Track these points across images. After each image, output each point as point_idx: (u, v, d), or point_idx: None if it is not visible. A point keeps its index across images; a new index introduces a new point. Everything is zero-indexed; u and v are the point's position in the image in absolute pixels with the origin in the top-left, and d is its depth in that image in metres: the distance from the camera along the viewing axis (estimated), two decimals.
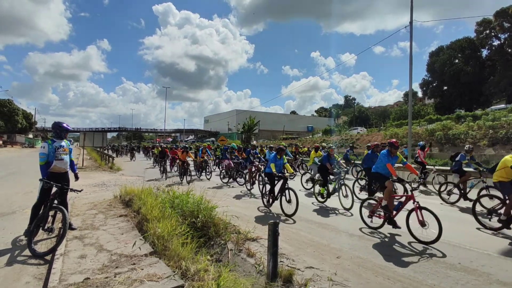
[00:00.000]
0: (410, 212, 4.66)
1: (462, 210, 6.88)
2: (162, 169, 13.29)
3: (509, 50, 35.70)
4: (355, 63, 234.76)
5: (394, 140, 5.56)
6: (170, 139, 79.86)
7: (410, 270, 3.59)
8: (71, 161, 4.79)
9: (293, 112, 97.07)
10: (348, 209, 6.63)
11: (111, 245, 3.99)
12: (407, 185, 6.95)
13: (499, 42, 36.97)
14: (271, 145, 15.74)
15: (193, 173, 12.48)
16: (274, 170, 6.58)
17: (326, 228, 5.41)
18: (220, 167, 14.27)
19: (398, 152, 5.45)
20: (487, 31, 37.12)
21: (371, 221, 5.26)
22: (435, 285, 3.22)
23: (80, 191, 4.56)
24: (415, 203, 4.59)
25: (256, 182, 9.37)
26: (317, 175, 8.48)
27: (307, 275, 3.34)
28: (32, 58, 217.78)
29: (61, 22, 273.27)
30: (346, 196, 6.86)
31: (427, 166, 10.11)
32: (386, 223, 5.03)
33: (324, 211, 6.71)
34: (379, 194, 7.45)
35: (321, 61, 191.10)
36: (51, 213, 4.36)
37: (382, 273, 3.49)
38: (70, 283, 2.88)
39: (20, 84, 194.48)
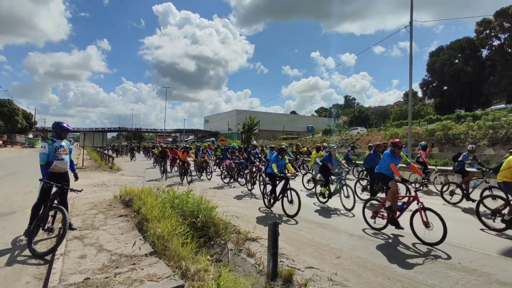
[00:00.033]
0: (414, 213, 4.60)
1: (465, 210, 6.82)
2: (162, 169, 13.26)
3: (509, 50, 35.68)
4: (355, 63, 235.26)
5: (398, 140, 5.47)
6: (170, 139, 79.87)
7: (410, 270, 3.59)
8: (71, 161, 4.79)
9: (293, 112, 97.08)
10: (349, 210, 6.58)
11: (111, 245, 3.99)
12: (410, 186, 6.88)
13: (499, 42, 36.96)
14: (272, 145, 15.71)
15: (193, 173, 12.47)
16: (276, 170, 6.51)
17: (326, 228, 5.40)
18: (221, 167, 14.27)
19: (401, 153, 5.40)
20: (487, 31, 37.08)
21: (374, 222, 5.21)
22: (435, 285, 3.22)
23: (80, 191, 4.56)
24: (419, 203, 4.53)
25: (257, 182, 9.33)
26: (319, 175, 8.44)
27: (307, 275, 3.34)
28: (32, 58, 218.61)
29: (61, 22, 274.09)
30: (348, 196, 6.80)
31: (428, 166, 10.01)
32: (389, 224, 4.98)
33: (325, 212, 6.68)
34: (381, 195, 7.43)
35: (321, 61, 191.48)
36: (51, 213, 4.36)
37: (382, 273, 3.49)
38: (70, 283, 2.88)
39: (20, 84, 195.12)
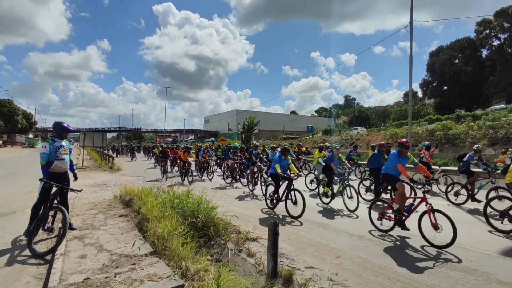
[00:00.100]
0: (422, 214, 4.49)
1: (469, 211, 6.68)
2: (163, 169, 13.24)
3: (509, 50, 35.68)
4: (355, 63, 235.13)
5: (405, 140, 5.30)
6: (170, 139, 79.92)
7: (410, 270, 3.59)
8: (70, 161, 4.80)
9: (293, 112, 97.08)
10: (353, 211, 6.43)
11: (111, 245, 3.99)
12: (417, 186, 6.73)
13: (499, 42, 36.97)
14: (274, 145, 15.68)
15: (194, 173, 12.45)
16: (279, 170, 6.39)
17: (326, 228, 5.39)
18: (222, 167, 14.24)
19: (408, 153, 5.27)
20: (487, 31, 37.08)
21: (381, 224, 5.09)
22: (435, 285, 3.22)
23: (80, 191, 4.56)
24: (428, 205, 4.41)
25: (259, 183, 9.26)
26: (322, 175, 8.37)
27: (307, 275, 3.34)
28: (32, 58, 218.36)
29: (61, 22, 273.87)
30: (351, 197, 6.69)
31: (432, 167, 9.86)
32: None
33: (328, 213, 6.59)
34: (384, 195, 7.38)
35: (321, 61, 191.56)
36: (51, 213, 4.37)
37: (382, 273, 3.49)
38: (70, 283, 2.89)
39: (20, 84, 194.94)
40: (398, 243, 4.60)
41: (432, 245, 4.32)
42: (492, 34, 36.98)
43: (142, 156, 31.07)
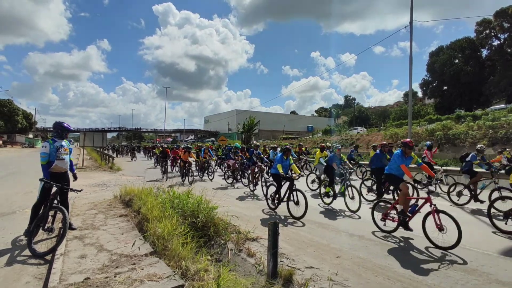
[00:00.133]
0: (426, 215, 4.44)
1: (473, 212, 6.62)
2: (163, 169, 13.23)
3: (509, 50, 35.69)
4: (355, 63, 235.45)
5: (409, 139, 5.23)
6: (170, 139, 79.92)
7: (410, 270, 3.58)
8: (70, 161, 4.80)
9: (293, 112, 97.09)
10: (355, 211, 6.38)
11: (111, 245, 4.00)
12: (420, 186, 6.67)
13: (499, 42, 36.98)
14: (275, 145, 15.66)
15: (195, 173, 12.43)
16: (281, 171, 6.35)
17: (327, 228, 5.39)
18: (223, 167, 14.23)
19: (412, 153, 5.20)
20: (487, 31, 37.10)
21: (384, 225, 5.05)
22: (435, 285, 3.22)
23: (80, 191, 4.56)
24: (432, 206, 4.38)
25: (259, 183, 9.24)
26: (323, 175, 8.35)
27: (307, 275, 3.35)
28: (32, 58, 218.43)
29: (61, 22, 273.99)
30: (353, 198, 6.65)
31: (434, 167, 9.78)
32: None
33: (330, 213, 6.55)
34: (387, 196, 7.34)
35: (321, 61, 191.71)
36: (51, 213, 4.37)
37: (382, 273, 3.49)
38: (70, 283, 2.89)
39: (20, 84, 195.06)
40: (400, 244, 4.59)
41: (437, 246, 4.28)
42: (492, 34, 37.00)
43: (142, 156, 31.06)
